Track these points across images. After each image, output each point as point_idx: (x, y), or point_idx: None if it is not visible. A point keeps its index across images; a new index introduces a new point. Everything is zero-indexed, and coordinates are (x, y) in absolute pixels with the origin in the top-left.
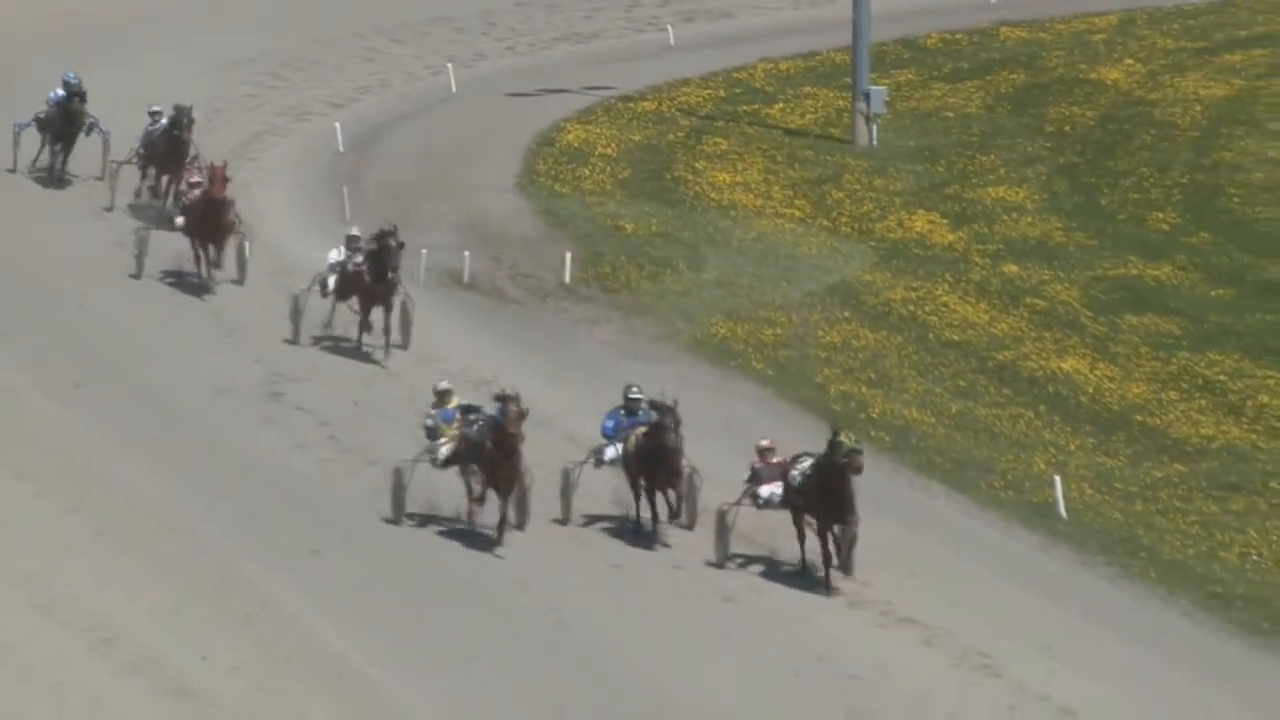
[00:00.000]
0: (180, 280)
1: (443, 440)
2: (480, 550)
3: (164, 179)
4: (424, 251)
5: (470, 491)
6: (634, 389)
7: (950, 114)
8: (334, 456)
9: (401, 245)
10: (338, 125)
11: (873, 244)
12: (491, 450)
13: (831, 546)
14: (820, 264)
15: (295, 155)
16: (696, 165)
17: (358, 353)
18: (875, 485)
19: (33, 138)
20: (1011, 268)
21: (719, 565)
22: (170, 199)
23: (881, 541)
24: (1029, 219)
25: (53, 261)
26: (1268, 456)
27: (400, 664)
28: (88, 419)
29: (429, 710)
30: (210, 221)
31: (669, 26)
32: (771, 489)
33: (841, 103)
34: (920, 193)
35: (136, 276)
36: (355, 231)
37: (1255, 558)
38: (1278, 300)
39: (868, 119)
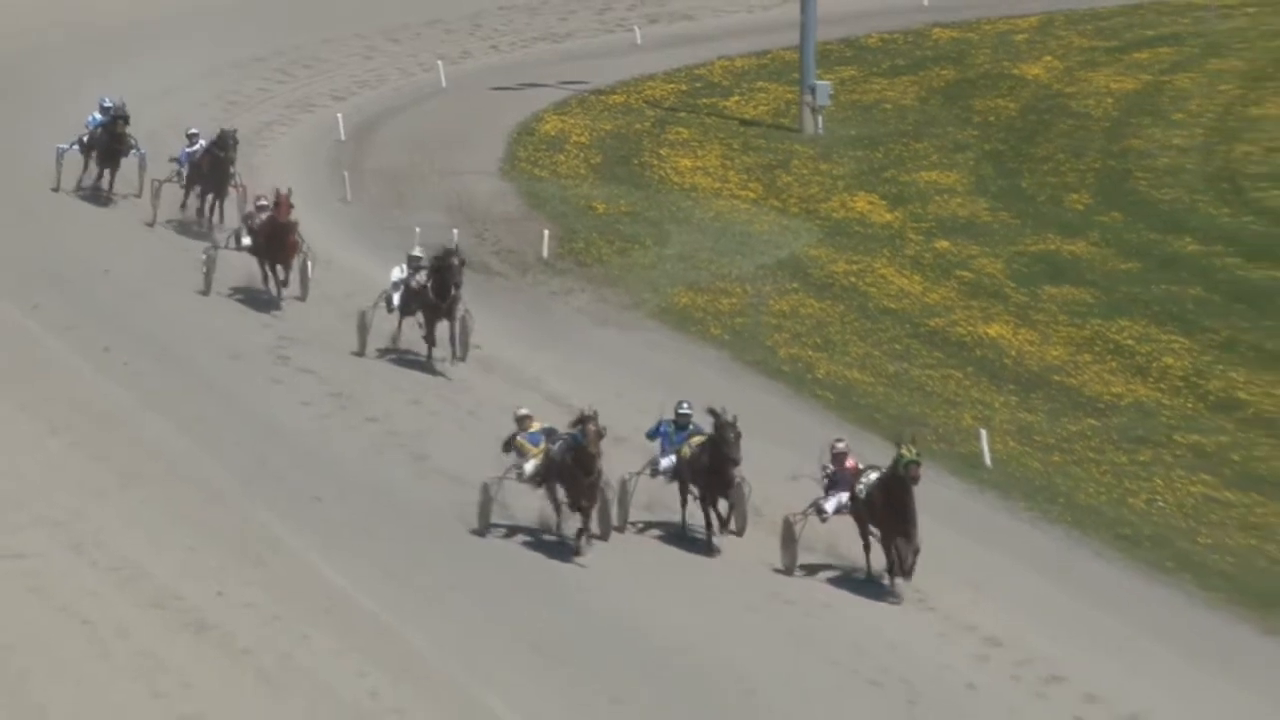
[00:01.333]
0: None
1: (529, 458)
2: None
3: (209, 197)
4: (417, 229)
5: (555, 506)
6: (684, 405)
7: (888, 106)
8: (333, 412)
9: (463, 263)
10: (340, 116)
11: (818, 222)
12: (573, 467)
13: (895, 555)
14: (771, 240)
15: (302, 142)
16: (661, 152)
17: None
18: (822, 438)
19: (73, 158)
20: (943, 244)
21: (787, 573)
22: (215, 216)
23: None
24: (958, 200)
25: (90, 245)
26: (1171, 412)
27: (397, 600)
28: (116, 379)
29: (423, 639)
30: (277, 243)
31: (636, 28)
32: (836, 500)
33: (790, 96)
34: (861, 176)
35: (205, 293)
36: (417, 252)
37: (1160, 503)
38: (1180, 272)
39: (814, 110)
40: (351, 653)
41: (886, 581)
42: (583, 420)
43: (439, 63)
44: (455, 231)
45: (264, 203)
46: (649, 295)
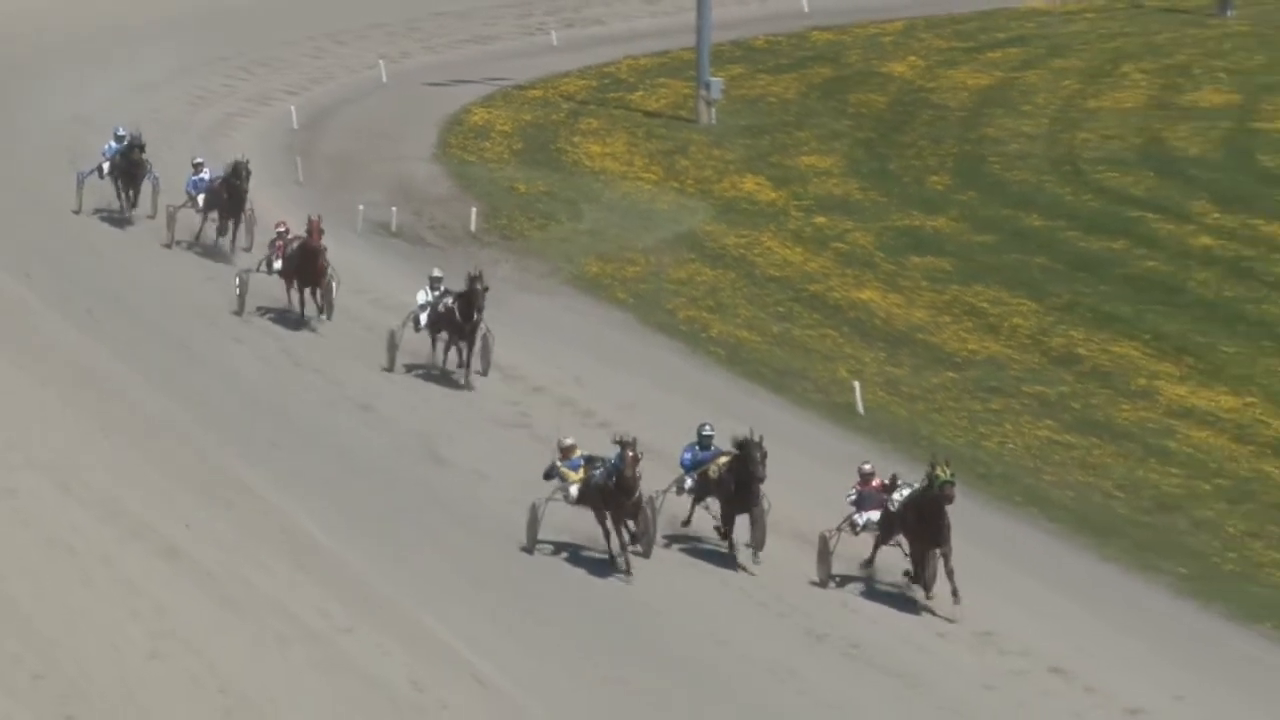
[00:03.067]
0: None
1: (572, 483)
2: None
3: (229, 223)
4: (360, 207)
5: (603, 527)
6: (706, 426)
7: (773, 99)
8: (289, 369)
9: (486, 289)
10: (293, 108)
11: (712, 201)
12: (614, 491)
13: (925, 568)
14: (671, 217)
15: (261, 131)
16: (574, 139)
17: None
18: (716, 390)
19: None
20: (820, 219)
21: (822, 585)
22: (231, 240)
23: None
24: (834, 181)
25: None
26: (1020, 367)
27: (348, 535)
28: (99, 340)
29: (372, 571)
30: (307, 267)
31: (553, 31)
32: (869, 516)
33: (688, 91)
34: (749, 161)
35: (239, 314)
36: (438, 274)
37: (1010, 446)
38: (1028, 244)
39: (708, 103)
40: (306, 580)
41: (920, 595)
42: (622, 445)
43: (381, 61)
44: (394, 209)
45: (283, 229)
46: (564, 264)
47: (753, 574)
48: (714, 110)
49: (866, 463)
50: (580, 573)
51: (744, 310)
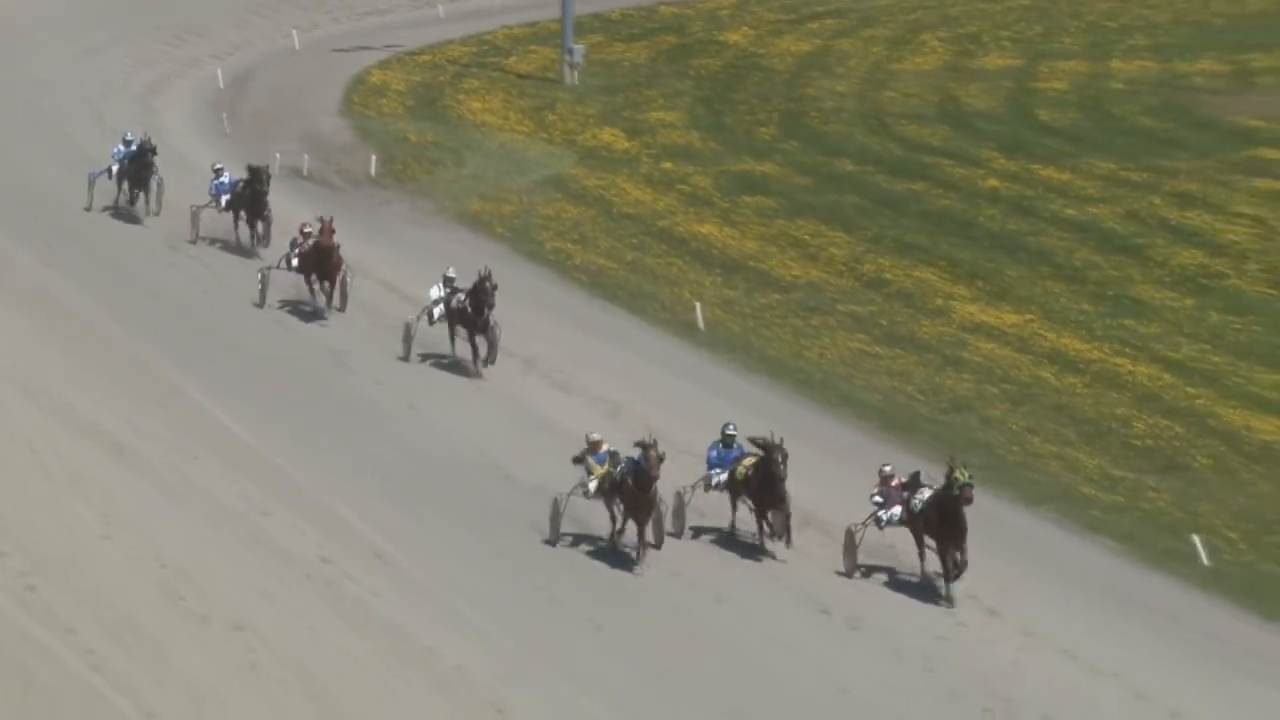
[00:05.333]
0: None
1: (593, 477)
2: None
3: (256, 224)
4: (277, 155)
5: (613, 518)
6: (730, 426)
7: (626, 63)
8: (222, 296)
9: (495, 286)
10: (219, 71)
11: (575, 149)
12: (632, 488)
13: (948, 562)
14: (541, 163)
15: (190, 91)
16: (459, 97)
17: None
18: (579, 309)
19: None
20: (667, 165)
21: (847, 576)
22: (256, 240)
23: (590, 355)
24: (678, 132)
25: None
26: (835, 289)
27: (271, 435)
28: (67, 275)
29: (288, 464)
30: (322, 263)
31: (439, 5)
32: (892, 512)
33: (554, 56)
34: (606, 115)
35: (260, 306)
36: (451, 273)
37: (827, 356)
38: (842, 186)
39: (572, 67)
40: (232, 471)
41: (941, 587)
42: (644, 446)
43: (294, 31)
44: (305, 156)
45: (308, 229)
46: (450, 203)
47: (783, 560)
48: (576, 73)
49: (887, 465)
50: (490, 483)
51: (603, 242)
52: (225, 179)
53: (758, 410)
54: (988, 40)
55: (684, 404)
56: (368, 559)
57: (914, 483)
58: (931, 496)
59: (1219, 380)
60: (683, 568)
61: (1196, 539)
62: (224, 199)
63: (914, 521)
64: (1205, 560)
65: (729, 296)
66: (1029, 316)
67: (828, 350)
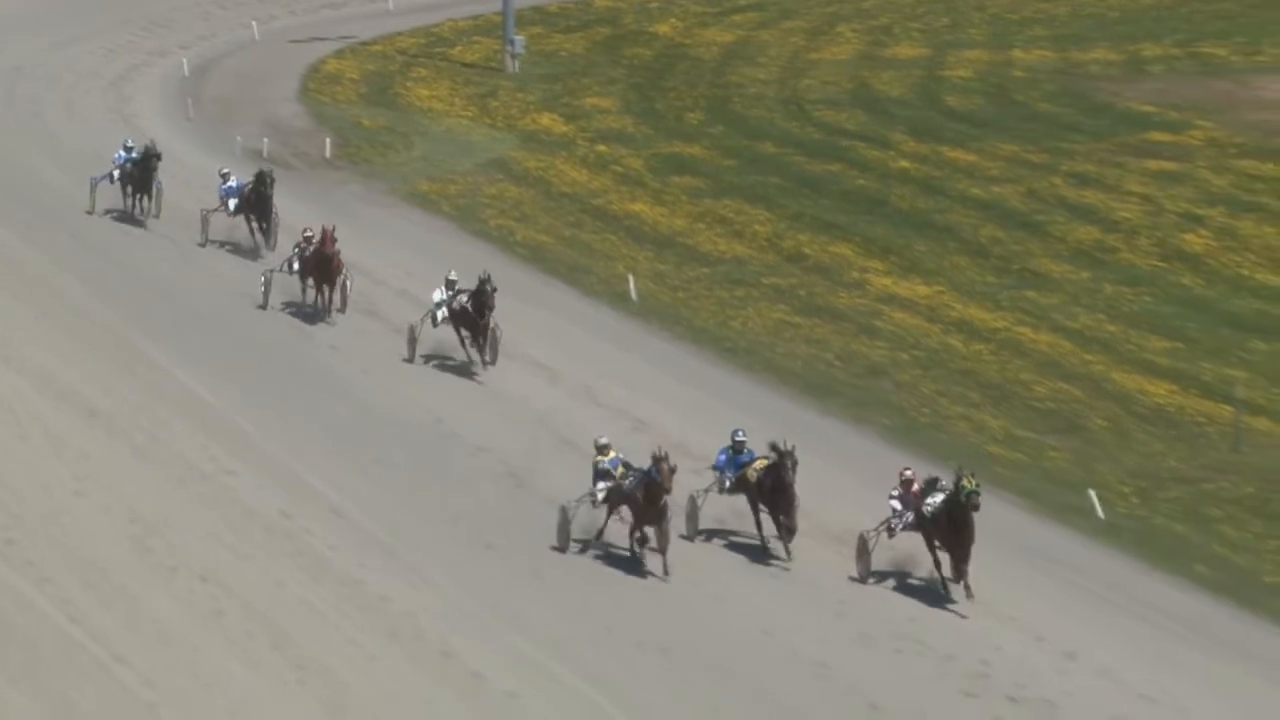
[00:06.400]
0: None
1: (601, 485)
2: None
3: (262, 225)
4: (238, 138)
5: (631, 529)
6: (739, 433)
7: (564, 54)
8: (192, 271)
9: (495, 290)
10: (184, 60)
11: (516, 134)
12: (641, 499)
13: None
14: (485, 146)
15: (158, 78)
16: (408, 85)
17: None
18: (520, 282)
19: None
20: (602, 148)
21: (861, 581)
22: (264, 241)
23: (532, 324)
24: (612, 117)
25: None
26: (758, 263)
27: (236, 398)
28: (44, 253)
29: (252, 427)
30: (323, 268)
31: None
32: (904, 519)
33: (497, 47)
34: (545, 102)
35: (263, 308)
36: (453, 276)
37: (751, 325)
38: (764, 167)
39: (513, 57)
40: (199, 434)
41: (951, 589)
42: (657, 460)
43: (254, 23)
44: (265, 139)
45: (309, 233)
46: (400, 184)
47: (787, 565)
48: (517, 62)
49: (908, 469)
50: (440, 445)
51: (542, 219)
52: (233, 183)
53: (688, 379)
54: (899, 31)
55: (619, 370)
56: (325, 515)
57: (930, 488)
58: (941, 502)
59: (1114, 347)
60: (619, 525)
61: (1093, 494)
62: (232, 202)
63: (924, 526)
64: (1101, 514)
65: (660, 270)
66: (938, 288)
67: (751, 320)
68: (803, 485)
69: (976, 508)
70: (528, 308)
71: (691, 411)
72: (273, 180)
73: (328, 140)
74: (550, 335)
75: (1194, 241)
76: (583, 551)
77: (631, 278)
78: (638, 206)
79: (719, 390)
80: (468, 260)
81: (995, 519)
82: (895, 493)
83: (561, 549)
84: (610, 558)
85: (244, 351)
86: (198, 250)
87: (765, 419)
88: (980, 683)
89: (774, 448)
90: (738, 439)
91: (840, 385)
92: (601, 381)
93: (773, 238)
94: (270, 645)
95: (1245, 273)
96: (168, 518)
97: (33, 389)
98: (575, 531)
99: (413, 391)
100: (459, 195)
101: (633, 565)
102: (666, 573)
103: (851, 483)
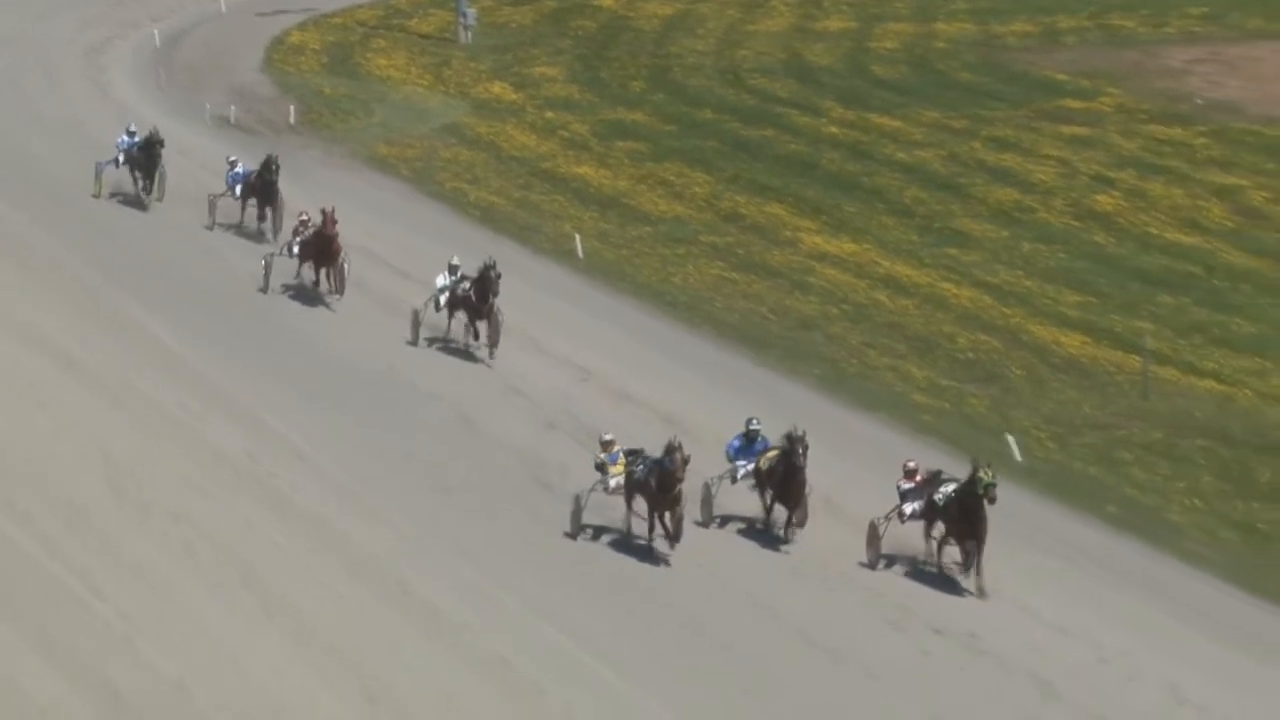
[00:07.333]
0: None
1: (612, 475)
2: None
3: (266, 209)
4: (207, 105)
5: (644, 515)
6: (753, 421)
7: (514, 25)
8: (162, 227)
9: (499, 275)
10: (156, 31)
11: (469, 101)
12: (654, 487)
13: (967, 556)
14: (439, 113)
15: (130, 49)
16: (368, 55)
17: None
18: (473, 239)
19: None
20: (550, 114)
21: (871, 567)
22: (268, 225)
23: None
24: (560, 85)
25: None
26: (698, 222)
27: (204, 350)
28: (22, 209)
29: (222, 377)
30: (323, 251)
31: None
32: (914, 506)
33: (450, 19)
34: (497, 71)
35: (264, 291)
36: (456, 261)
37: (691, 281)
38: (702, 132)
39: (466, 29)
40: (171, 382)
41: (963, 578)
42: (670, 450)
43: None
44: (233, 107)
45: (305, 217)
46: (360, 149)
47: (789, 548)
48: (470, 33)
49: (911, 460)
50: (397, 392)
51: (494, 181)
52: (240, 169)
53: (632, 330)
54: (829, 5)
55: (566, 323)
56: (289, 458)
57: (936, 479)
58: (954, 491)
59: (1030, 301)
60: (565, 464)
61: (1011, 440)
62: (238, 188)
63: (934, 515)
64: (1019, 458)
65: (604, 229)
66: (865, 246)
67: (691, 276)
68: (737, 429)
69: (993, 500)
70: (480, 264)
71: (634, 361)
72: (278, 166)
73: (292, 107)
74: (501, 291)
75: (1105, 202)
76: (595, 539)
77: (578, 236)
78: (583, 169)
79: (660, 342)
80: (424, 220)
81: (920, 462)
82: (903, 486)
83: (572, 536)
84: (560, 503)
85: (213, 306)
86: (170, 211)
87: (703, 370)
88: (905, 615)
89: (787, 437)
90: (752, 427)
91: (774, 337)
92: (550, 334)
93: (710, 199)
94: (239, 580)
95: (1153, 231)
96: (139, 457)
97: (14, 341)
98: (585, 517)
99: (369, 342)
100: (415, 159)
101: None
102: (670, 550)
103: (781, 426)
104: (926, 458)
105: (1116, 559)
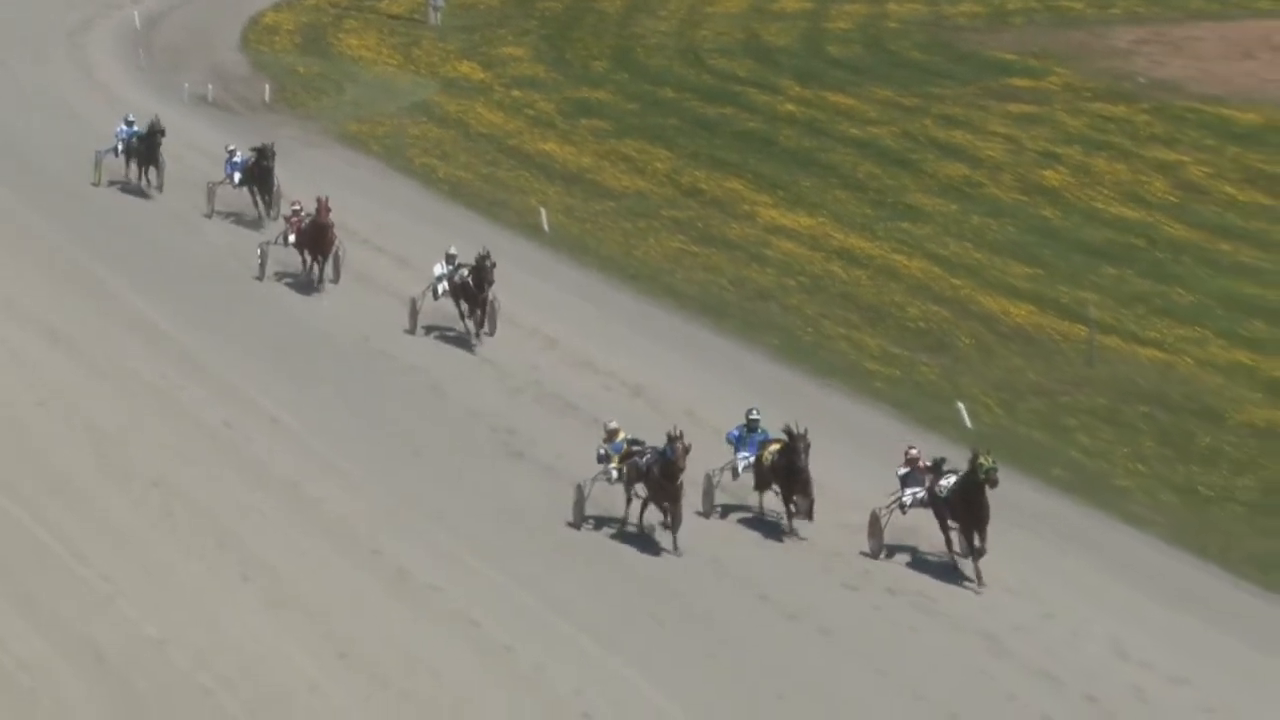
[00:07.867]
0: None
1: (614, 465)
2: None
3: (264, 196)
4: (185, 84)
5: (629, 502)
6: (753, 411)
7: (482, 6)
8: (148, 205)
9: (494, 265)
10: (136, 13)
11: (438, 80)
12: (658, 476)
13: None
14: (409, 91)
15: (111, 30)
16: (340, 36)
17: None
18: (441, 213)
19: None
20: (516, 93)
21: (874, 557)
22: (266, 211)
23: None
24: (526, 65)
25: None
26: (659, 197)
27: (184, 323)
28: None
29: (200, 348)
30: (318, 240)
31: None
32: (912, 495)
33: (420, 1)
34: (465, 51)
35: (260, 279)
36: (453, 251)
37: (653, 254)
38: (664, 110)
39: (435, 10)
40: (153, 354)
41: (968, 568)
42: (672, 439)
43: None
44: (210, 86)
45: (297, 206)
46: (333, 126)
47: (803, 537)
48: (439, 15)
49: (913, 447)
50: (371, 363)
51: (462, 158)
52: (238, 158)
53: (596, 302)
54: None
55: (532, 295)
56: (265, 425)
57: (938, 468)
58: (956, 481)
59: (979, 273)
60: (532, 432)
61: (961, 406)
62: (236, 176)
63: (938, 505)
64: (968, 424)
65: (569, 204)
66: (820, 220)
67: (653, 249)
68: (698, 395)
69: (995, 484)
70: (449, 238)
71: (598, 331)
72: (274, 154)
73: (267, 86)
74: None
75: (1052, 177)
76: (597, 529)
77: (544, 211)
78: (549, 146)
79: (623, 312)
80: (395, 196)
81: (872, 427)
82: (902, 471)
83: (576, 526)
84: (528, 469)
85: (191, 279)
86: (160, 196)
87: (665, 340)
88: (862, 578)
89: (787, 431)
90: (752, 417)
91: (732, 308)
92: (516, 305)
93: (671, 174)
94: (216, 544)
95: (1098, 205)
96: (120, 426)
97: (10, 324)
98: (580, 507)
99: (346, 315)
100: (386, 136)
101: (544, 461)
102: (676, 548)
103: (740, 392)
104: (879, 424)
105: (1062, 521)
